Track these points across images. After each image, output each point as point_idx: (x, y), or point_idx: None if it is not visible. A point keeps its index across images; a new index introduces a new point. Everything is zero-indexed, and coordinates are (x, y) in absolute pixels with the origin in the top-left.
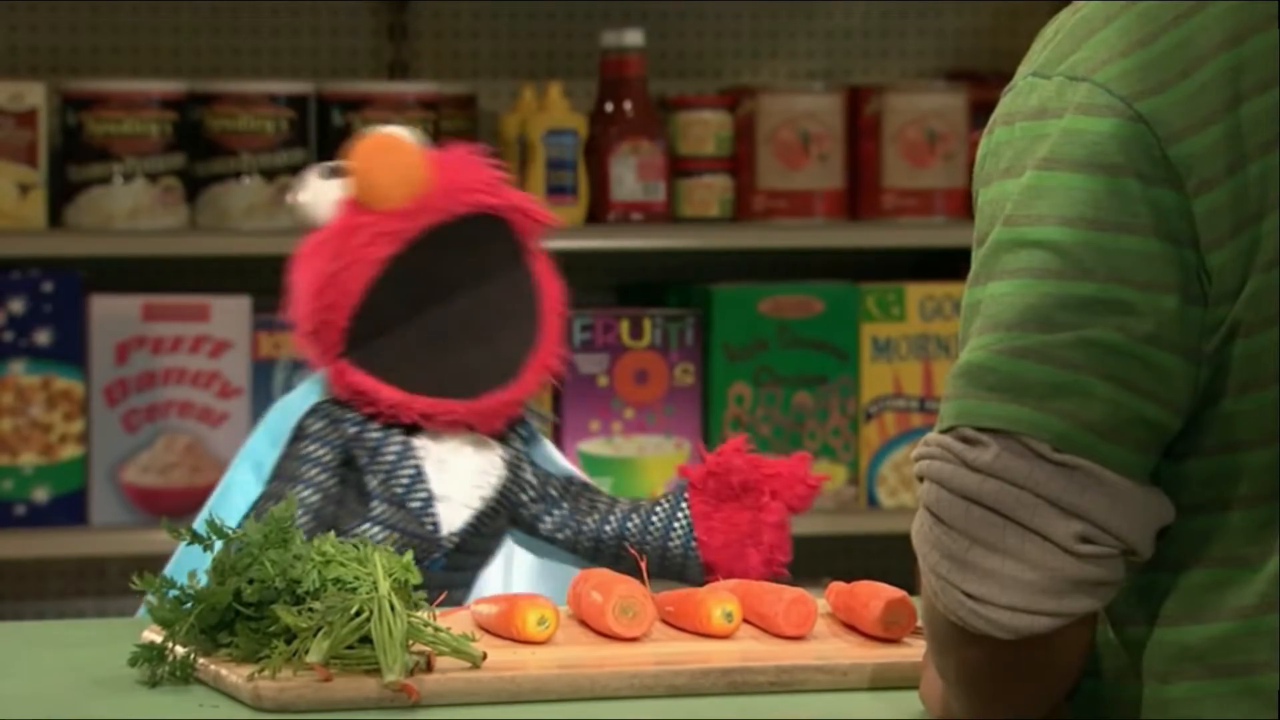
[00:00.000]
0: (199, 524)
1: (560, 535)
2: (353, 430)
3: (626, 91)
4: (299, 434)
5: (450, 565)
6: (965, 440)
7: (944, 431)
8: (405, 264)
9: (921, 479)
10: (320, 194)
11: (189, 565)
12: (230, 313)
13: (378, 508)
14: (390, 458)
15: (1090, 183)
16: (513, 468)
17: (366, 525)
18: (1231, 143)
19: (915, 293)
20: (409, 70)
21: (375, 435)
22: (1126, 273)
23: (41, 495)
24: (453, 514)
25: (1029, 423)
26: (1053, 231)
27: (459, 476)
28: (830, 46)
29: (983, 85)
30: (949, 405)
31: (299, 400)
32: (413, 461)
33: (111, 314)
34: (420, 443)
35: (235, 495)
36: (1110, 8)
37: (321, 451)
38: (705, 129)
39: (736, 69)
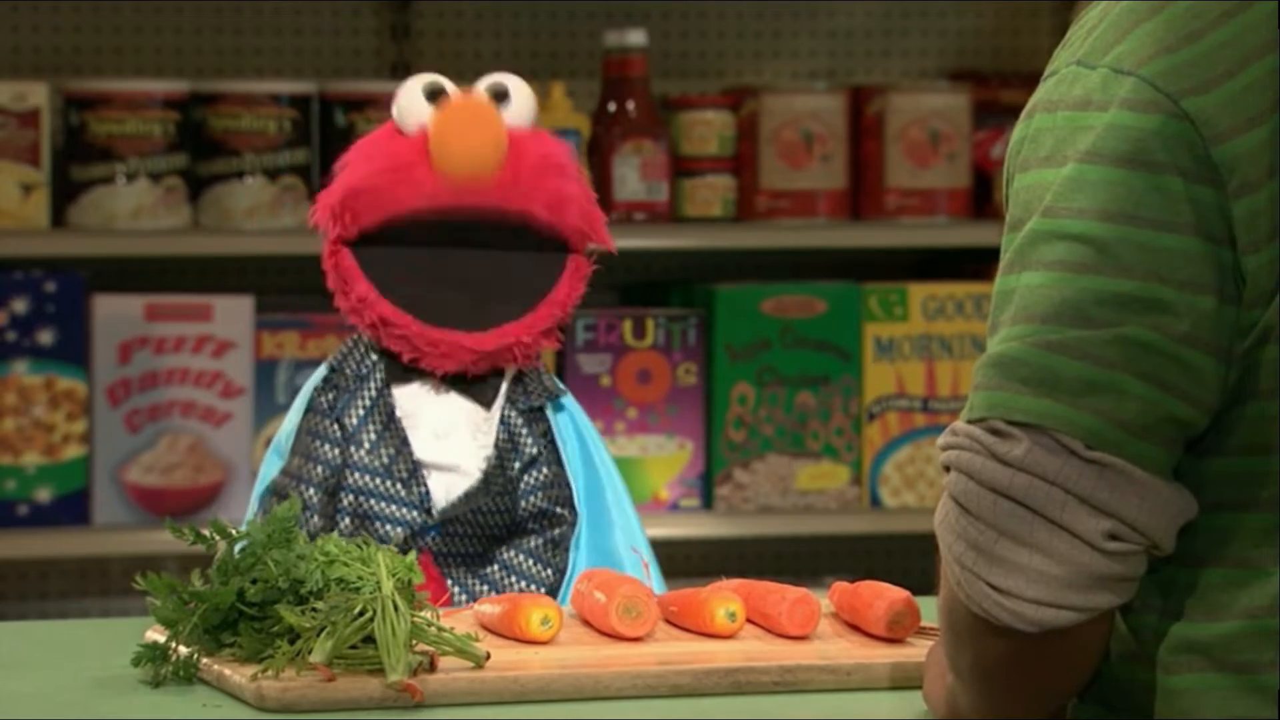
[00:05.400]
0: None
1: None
2: (344, 399)
3: (629, 91)
4: (309, 405)
5: (449, 534)
6: (995, 433)
7: (973, 422)
8: (448, 213)
9: (948, 468)
10: (413, 107)
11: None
12: (233, 313)
13: (364, 478)
14: (375, 428)
15: (1132, 179)
16: (511, 437)
17: (357, 496)
18: (1275, 146)
19: (918, 293)
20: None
21: (362, 405)
22: (1165, 271)
23: (44, 495)
24: (446, 484)
25: (1062, 419)
26: (1093, 226)
27: (451, 445)
28: (833, 46)
29: (985, 85)
30: (979, 395)
31: (319, 374)
32: (397, 434)
33: (114, 314)
34: (407, 408)
35: (267, 473)
36: (1156, 1)
37: (326, 424)
38: (708, 129)
39: (739, 69)
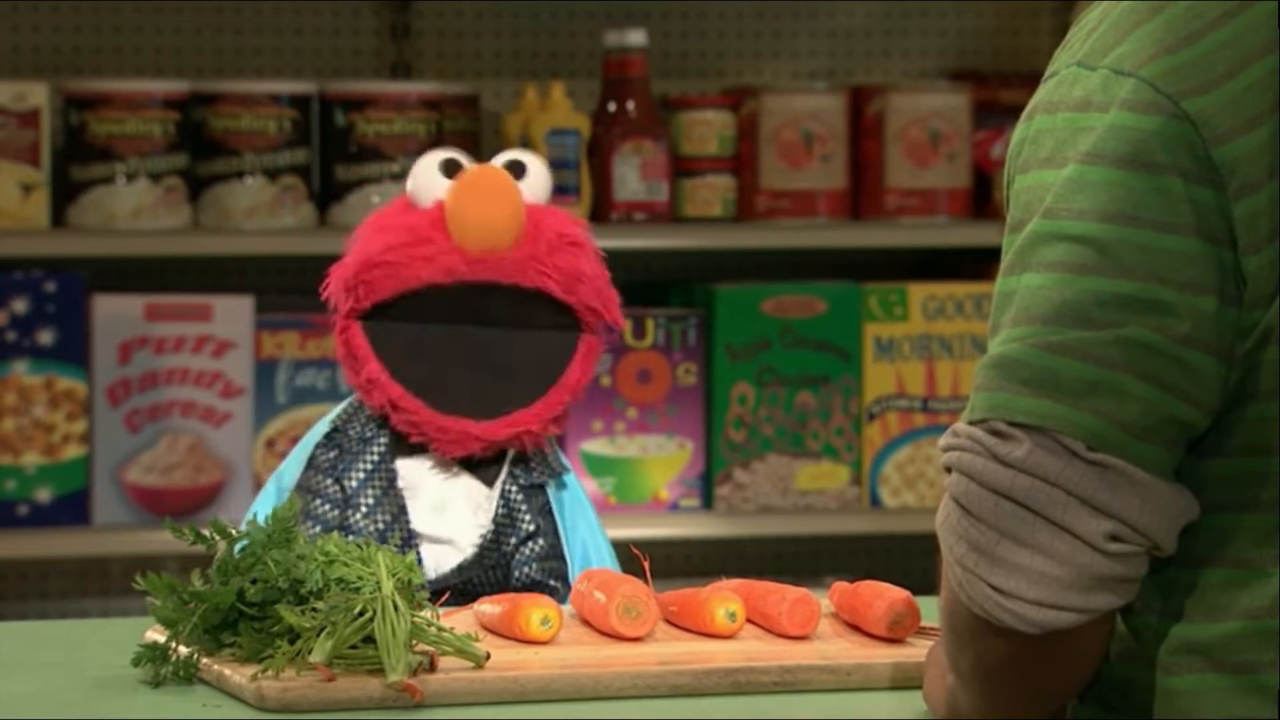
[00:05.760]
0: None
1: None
2: (345, 460)
3: (629, 91)
4: (310, 463)
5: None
6: (997, 434)
7: (974, 423)
8: (464, 286)
9: (949, 470)
10: (430, 182)
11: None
12: (233, 312)
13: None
14: (373, 493)
15: (1133, 180)
16: (510, 513)
17: None
18: (1275, 146)
19: (918, 293)
20: (411, 70)
21: (363, 469)
22: (1166, 272)
23: (44, 495)
24: (439, 557)
25: (1064, 420)
26: (1093, 227)
27: (449, 519)
28: (833, 46)
29: (985, 85)
30: (980, 397)
31: (321, 427)
32: (396, 502)
33: (114, 314)
34: (413, 481)
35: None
36: (1156, 1)
37: (328, 484)
38: (708, 129)
39: (739, 69)
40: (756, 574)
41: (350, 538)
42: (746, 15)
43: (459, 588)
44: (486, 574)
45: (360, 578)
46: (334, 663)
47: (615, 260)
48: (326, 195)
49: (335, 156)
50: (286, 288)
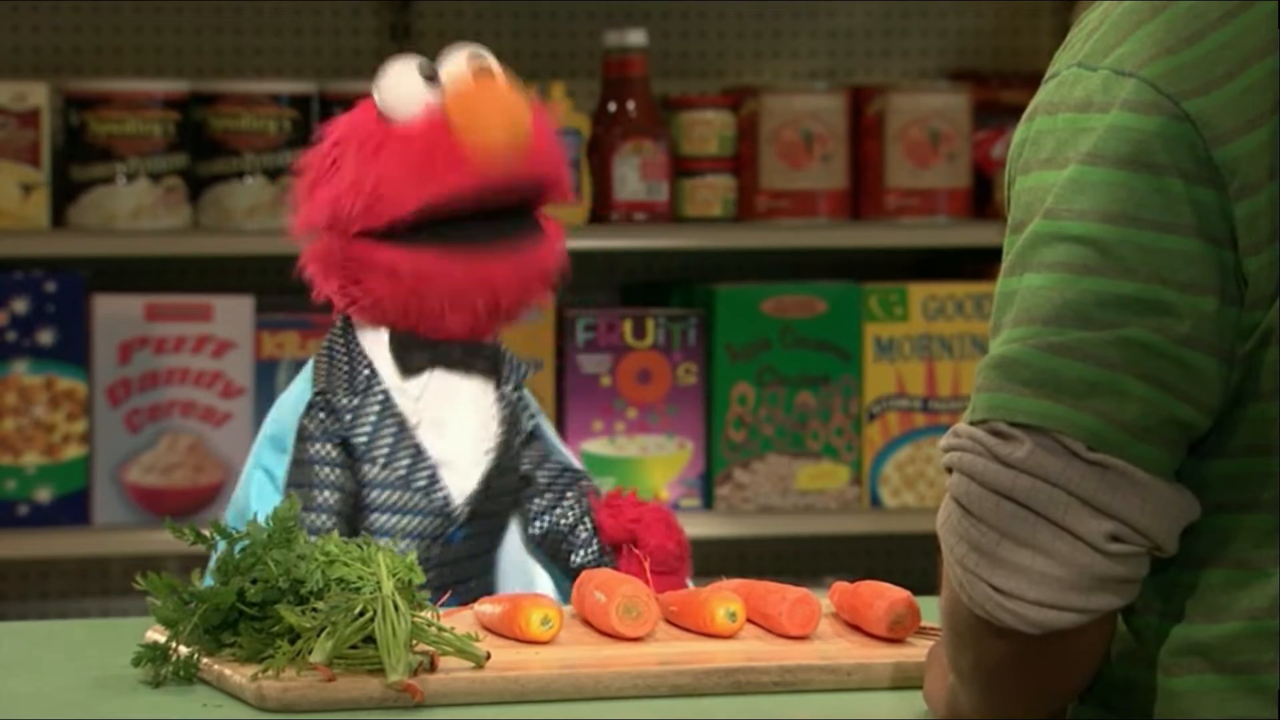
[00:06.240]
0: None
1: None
2: (348, 418)
3: (629, 91)
4: (300, 435)
5: (470, 533)
6: (998, 434)
7: (975, 424)
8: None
9: (950, 470)
10: (408, 92)
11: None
12: (233, 313)
13: (382, 495)
14: (387, 439)
15: (1134, 180)
16: (512, 412)
17: (375, 514)
18: (1275, 147)
19: (918, 293)
20: None
21: (370, 419)
22: (1167, 273)
23: (44, 495)
24: (461, 480)
25: (1064, 420)
26: (1094, 228)
27: (461, 437)
28: (833, 46)
29: (985, 85)
30: (981, 397)
31: (293, 401)
32: (410, 441)
33: (114, 314)
34: (415, 408)
35: (253, 507)
36: (1156, 2)
37: (326, 449)
38: (708, 129)
39: (739, 69)
40: (757, 574)
41: (375, 492)
42: (746, 15)
43: (485, 508)
44: (504, 478)
45: (360, 578)
46: (334, 663)
47: (616, 260)
48: None
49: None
50: (287, 288)
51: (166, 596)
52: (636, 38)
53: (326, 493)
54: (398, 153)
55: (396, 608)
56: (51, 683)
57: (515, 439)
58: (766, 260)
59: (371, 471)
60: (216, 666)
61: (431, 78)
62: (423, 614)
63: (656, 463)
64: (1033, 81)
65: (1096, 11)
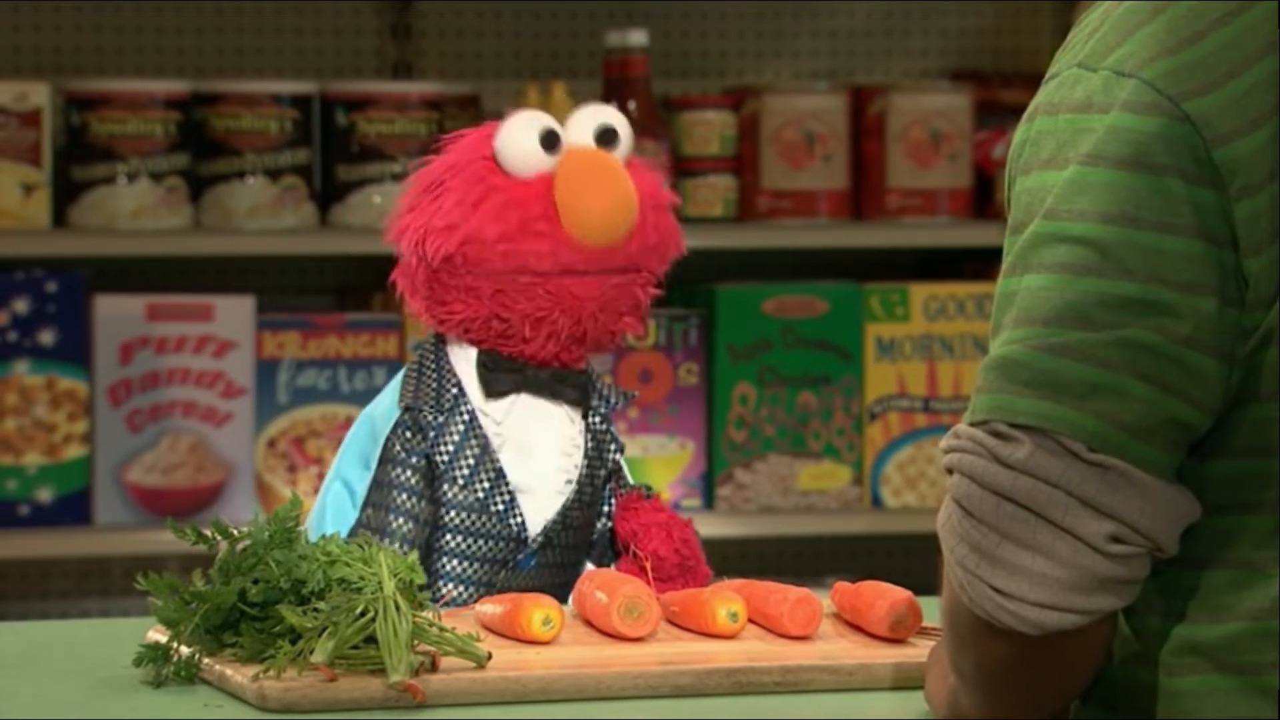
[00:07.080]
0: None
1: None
2: (432, 435)
3: (630, 91)
4: (385, 454)
5: (542, 563)
6: (998, 435)
7: (975, 424)
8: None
9: (950, 471)
10: (525, 152)
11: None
12: (234, 312)
13: (459, 516)
14: (469, 460)
15: (1134, 181)
16: (598, 444)
17: (449, 535)
18: (1276, 148)
19: (919, 293)
20: (413, 70)
21: (454, 438)
22: (1167, 273)
23: (45, 495)
24: (539, 508)
25: (1064, 421)
26: (1094, 228)
27: (544, 464)
28: (834, 46)
29: (987, 85)
30: (981, 398)
31: (380, 414)
32: (492, 464)
33: (115, 314)
34: (499, 430)
35: (328, 521)
36: (1157, 3)
37: (408, 476)
38: (709, 129)
39: (740, 69)
40: (758, 574)
41: (452, 513)
42: (747, 15)
43: (560, 539)
44: (584, 512)
45: (362, 578)
46: (335, 663)
47: None
48: (328, 195)
49: (336, 156)
50: (288, 288)
51: (167, 596)
52: (637, 38)
53: (401, 519)
54: (495, 213)
55: (398, 608)
56: (52, 683)
57: (599, 471)
58: (768, 260)
59: (450, 492)
60: (218, 667)
61: (552, 145)
62: (424, 614)
63: (658, 463)
64: (1033, 81)
65: (1097, 12)
